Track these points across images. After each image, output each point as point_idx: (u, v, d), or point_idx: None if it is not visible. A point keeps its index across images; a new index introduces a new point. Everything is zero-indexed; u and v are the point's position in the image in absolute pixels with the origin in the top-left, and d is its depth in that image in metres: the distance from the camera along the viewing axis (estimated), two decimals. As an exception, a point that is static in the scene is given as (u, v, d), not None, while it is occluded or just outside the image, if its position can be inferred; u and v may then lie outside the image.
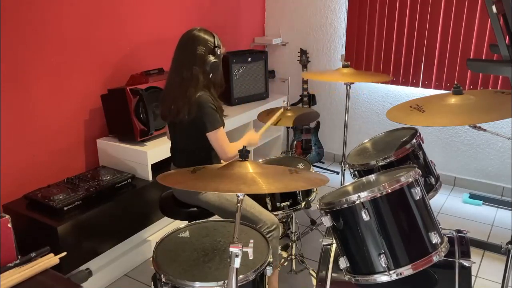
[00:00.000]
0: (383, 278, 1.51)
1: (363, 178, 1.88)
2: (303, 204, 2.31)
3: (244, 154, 1.54)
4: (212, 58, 2.11)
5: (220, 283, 1.46)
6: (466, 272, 1.63)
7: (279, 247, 2.71)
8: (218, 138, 2.11)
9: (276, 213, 2.27)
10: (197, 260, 1.60)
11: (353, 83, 2.68)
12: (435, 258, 1.52)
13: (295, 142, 4.04)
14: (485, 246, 2.86)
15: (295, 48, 4.08)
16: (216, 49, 2.13)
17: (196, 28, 2.15)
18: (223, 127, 2.18)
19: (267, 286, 1.63)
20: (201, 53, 2.09)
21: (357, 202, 1.51)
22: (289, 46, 4.22)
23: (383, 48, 3.73)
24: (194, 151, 2.21)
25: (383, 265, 1.50)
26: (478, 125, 1.68)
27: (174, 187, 2.24)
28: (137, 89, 2.71)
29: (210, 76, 2.13)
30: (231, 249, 1.28)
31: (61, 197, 2.39)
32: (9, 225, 1.70)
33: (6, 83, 2.38)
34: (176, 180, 1.61)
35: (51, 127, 2.64)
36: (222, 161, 2.21)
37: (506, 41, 1.73)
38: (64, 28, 2.62)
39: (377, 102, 3.92)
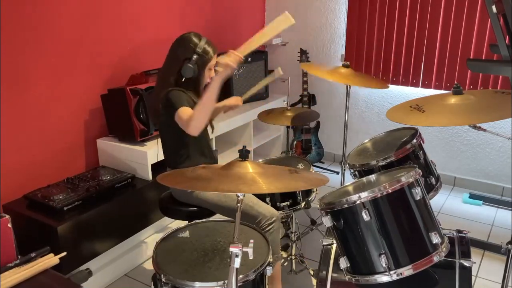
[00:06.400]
0: (383, 278, 1.51)
1: (364, 178, 1.88)
2: (303, 204, 2.31)
3: (244, 154, 1.54)
4: (187, 62, 2.07)
5: (220, 283, 1.46)
6: (466, 272, 1.63)
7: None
8: (179, 117, 2.00)
9: (278, 213, 2.26)
10: (197, 260, 1.60)
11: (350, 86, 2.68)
12: (436, 258, 1.52)
13: (295, 142, 4.04)
14: (485, 246, 2.86)
15: (295, 48, 4.08)
16: (194, 54, 2.07)
17: (189, 32, 2.15)
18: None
19: (267, 286, 1.63)
20: (179, 55, 2.10)
21: (358, 202, 1.51)
22: (289, 46, 4.22)
23: (383, 48, 3.73)
24: (173, 148, 2.22)
25: (384, 265, 1.50)
26: (478, 125, 1.68)
27: (172, 187, 2.24)
28: (137, 89, 2.71)
29: (183, 80, 2.10)
30: (231, 249, 1.28)
31: (61, 197, 2.39)
32: (9, 225, 1.70)
33: (6, 83, 2.38)
34: (176, 180, 1.61)
35: (51, 127, 2.64)
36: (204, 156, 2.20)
37: (506, 41, 1.73)
38: (64, 28, 2.62)
39: (377, 102, 3.92)
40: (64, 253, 1.80)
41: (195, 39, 2.11)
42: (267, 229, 2.04)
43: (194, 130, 1.94)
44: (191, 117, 1.95)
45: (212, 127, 2.34)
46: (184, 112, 1.99)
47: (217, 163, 2.35)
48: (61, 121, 2.69)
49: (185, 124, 1.97)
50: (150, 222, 2.78)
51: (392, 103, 3.81)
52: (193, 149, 2.19)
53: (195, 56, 2.08)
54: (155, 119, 2.24)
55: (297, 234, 2.61)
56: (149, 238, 2.83)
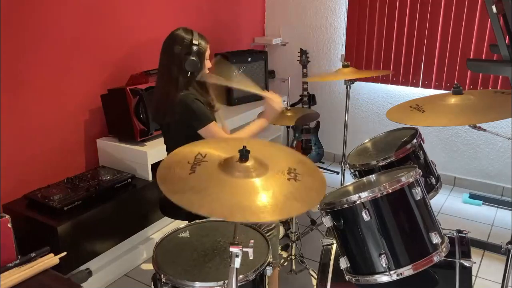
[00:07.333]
0: (383, 278, 1.51)
1: (364, 178, 1.88)
2: (303, 204, 2.30)
3: (244, 154, 1.54)
4: (189, 56, 2.08)
5: (220, 283, 1.46)
6: (466, 272, 1.63)
7: (279, 247, 2.71)
8: (210, 133, 2.09)
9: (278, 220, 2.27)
10: (197, 260, 1.60)
11: (353, 82, 2.67)
12: (436, 258, 1.51)
13: (295, 142, 4.03)
14: (485, 246, 2.86)
15: (295, 48, 4.08)
16: (193, 46, 2.09)
17: (178, 28, 2.14)
18: (215, 121, 2.16)
19: (267, 286, 1.63)
20: (177, 52, 2.09)
21: (358, 202, 1.51)
22: (289, 46, 4.22)
23: (383, 48, 3.73)
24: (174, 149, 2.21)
25: (384, 265, 1.50)
26: (478, 125, 1.68)
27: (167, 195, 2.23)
28: (137, 89, 2.71)
29: (189, 74, 2.11)
30: (231, 249, 1.27)
31: (61, 197, 2.39)
32: (9, 225, 1.70)
33: (6, 83, 2.38)
34: (171, 188, 1.52)
35: (51, 127, 2.64)
36: None
37: (506, 41, 1.73)
38: (64, 28, 2.62)
39: (377, 102, 3.92)
40: (64, 253, 1.80)
41: (187, 35, 2.11)
42: (266, 235, 2.03)
43: None
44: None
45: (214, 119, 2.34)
46: (216, 130, 2.11)
47: None
48: (61, 121, 2.69)
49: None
50: (150, 222, 2.78)
51: (392, 103, 3.81)
52: None
53: (195, 48, 2.09)
54: (158, 119, 2.22)
55: (297, 234, 2.61)
56: (149, 238, 2.83)
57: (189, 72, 2.10)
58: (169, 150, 2.30)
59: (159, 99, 2.16)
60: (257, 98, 3.83)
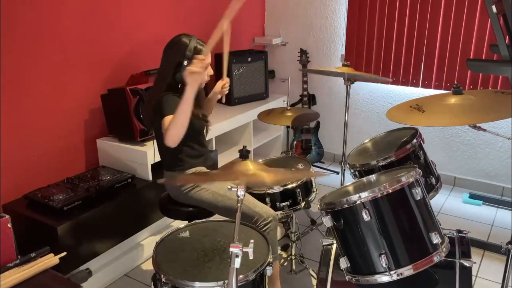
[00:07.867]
0: (383, 278, 1.51)
1: (364, 178, 1.88)
2: (303, 204, 2.31)
3: (244, 154, 1.54)
4: (180, 68, 2.03)
5: (220, 283, 1.46)
6: (466, 272, 1.63)
7: (279, 247, 2.71)
8: (163, 125, 1.95)
9: (276, 213, 2.27)
10: (197, 260, 1.60)
11: (353, 82, 2.67)
12: (436, 258, 1.51)
13: (295, 142, 4.04)
14: (485, 246, 2.86)
15: (295, 48, 4.08)
16: (185, 59, 2.02)
17: (179, 34, 2.11)
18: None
19: (267, 286, 1.63)
20: (171, 59, 2.06)
21: (358, 202, 1.51)
22: (289, 46, 4.22)
23: (383, 48, 3.73)
24: (169, 152, 2.18)
25: (384, 265, 1.50)
26: (478, 125, 1.68)
27: (170, 185, 2.24)
28: (137, 89, 2.71)
29: (179, 86, 2.05)
30: (231, 249, 1.28)
31: (61, 197, 2.39)
32: (9, 225, 1.70)
33: (6, 83, 2.38)
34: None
35: (51, 127, 2.64)
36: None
37: (506, 41, 1.73)
38: (64, 28, 2.62)
39: (377, 102, 3.92)
40: (64, 253, 1.80)
41: (185, 40, 2.07)
42: (263, 229, 2.04)
43: (169, 141, 1.89)
44: (166, 128, 1.91)
45: (207, 131, 2.32)
46: (167, 121, 1.94)
47: (216, 164, 2.35)
48: (61, 121, 2.69)
49: (163, 134, 1.94)
50: (150, 222, 2.78)
51: (392, 103, 3.81)
52: (189, 152, 2.19)
53: (185, 62, 2.03)
54: (148, 124, 2.24)
55: (297, 234, 2.61)
56: (149, 238, 2.83)
57: (180, 84, 2.06)
58: (159, 152, 2.29)
59: (145, 104, 2.16)
60: (257, 98, 3.85)
